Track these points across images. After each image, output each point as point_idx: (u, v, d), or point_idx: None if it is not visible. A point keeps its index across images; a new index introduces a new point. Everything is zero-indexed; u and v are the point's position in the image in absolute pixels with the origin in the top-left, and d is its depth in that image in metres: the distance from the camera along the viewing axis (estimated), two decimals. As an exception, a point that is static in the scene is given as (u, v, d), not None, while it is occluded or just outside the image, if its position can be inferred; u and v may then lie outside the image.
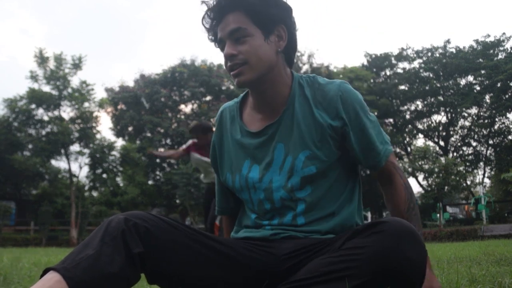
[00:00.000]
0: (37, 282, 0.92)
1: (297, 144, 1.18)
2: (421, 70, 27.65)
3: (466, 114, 27.37)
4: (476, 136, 27.72)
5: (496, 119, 26.01)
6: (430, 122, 28.72)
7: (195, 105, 26.17)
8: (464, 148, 28.20)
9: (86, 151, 21.52)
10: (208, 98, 26.21)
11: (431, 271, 1.17)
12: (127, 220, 1.03)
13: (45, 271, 0.95)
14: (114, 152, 22.43)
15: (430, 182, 19.30)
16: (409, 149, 28.16)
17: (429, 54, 27.63)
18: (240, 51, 1.14)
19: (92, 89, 21.29)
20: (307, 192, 1.18)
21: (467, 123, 27.86)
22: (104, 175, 23.00)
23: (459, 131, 28.19)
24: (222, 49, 1.18)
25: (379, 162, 1.22)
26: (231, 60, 1.15)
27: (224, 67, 1.21)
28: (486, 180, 27.64)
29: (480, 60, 25.50)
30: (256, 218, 1.26)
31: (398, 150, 28.72)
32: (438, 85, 26.65)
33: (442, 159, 19.63)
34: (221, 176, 1.32)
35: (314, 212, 1.19)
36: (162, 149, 25.29)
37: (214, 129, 1.39)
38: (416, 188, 26.08)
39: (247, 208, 1.29)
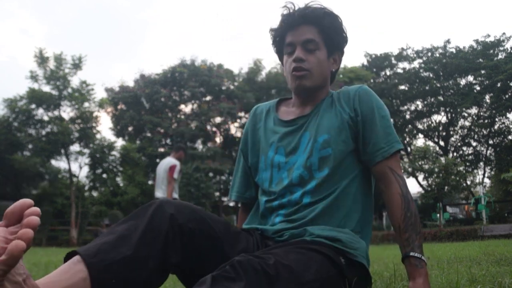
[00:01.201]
0: (63, 266, 0.89)
1: (318, 129, 1.31)
2: (421, 70, 27.65)
3: (466, 114, 27.38)
4: (476, 136, 27.73)
5: (496, 119, 26.02)
6: (430, 122, 28.73)
7: (195, 105, 26.15)
8: (464, 148, 28.22)
9: (86, 151, 21.53)
10: (208, 98, 26.19)
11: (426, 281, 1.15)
12: (173, 219, 1.00)
13: (72, 254, 0.91)
14: (114, 152, 22.45)
15: (430, 182, 19.28)
16: (409, 149, 28.15)
17: (429, 54, 27.63)
18: (308, 59, 1.31)
19: (92, 89, 21.30)
20: (324, 173, 1.26)
21: (467, 123, 27.88)
22: (104, 175, 23.01)
23: (459, 131, 28.20)
24: (288, 52, 1.35)
25: (373, 157, 1.27)
26: (298, 62, 1.31)
27: (286, 68, 1.37)
28: (486, 180, 27.66)
29: (480, 60, 25.50)
30: (266, 201, 1.32)
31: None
32: (438, 85, 26.65)
33: (442, 159, 19.62)
34: (250, 159, 1.45)
35: (320, 191, 1.26)
36: (162, 149, 25.30)
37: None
38: (416, 188, 26.12)
39: (261, 192, 1.39)
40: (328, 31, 1.32)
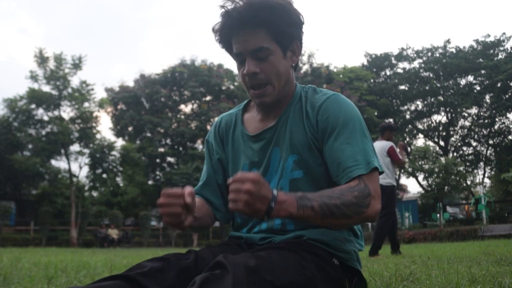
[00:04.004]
0: None
1: (288, 148, 1.20)
2: (421, 70, 27.64)
3: (466, 114, 27.39)
4: (476, 136, 27.73)
5: (496, 119, 26.02)
6: (430, 122, 28.73)
7: (195, 105, 26.15)
8: (464, 148, 28.21)
9: (86, 151, 21.54)
10: (208, 98, 26.19)
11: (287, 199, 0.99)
12: None
13: None
14: (114, 152, 22.46)
15: (430, 182, 19.27)
16: (409, 149, 28.11)
17: (429, 54, 27.62)
18: (262, 69, 1.15)
19: (92, 89, 21.31)
20: None
21: (467, 123, 27.88)
22: (104, 175, 23.01)
23: (459, 131, 28.20)
24: (239, 61, 1.19)
25: (338, 180, 1.11)
26: (252, 78, 1.16)
27: (242, 81, 1.21)
28: (486, 180, 27.66)
29: (480, 60, 25.50)
30: (246, 230, 1.26)
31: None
32: (438, 85, 26.65)
33: (442, 159, 19.61)
34: (218, 177, 1.35)
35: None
36: (162, 149, 25.29)
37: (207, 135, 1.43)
38: (416, 188, 26.12)
39: (236, 220, 1.31)
40: (279, 29, 1.13)
